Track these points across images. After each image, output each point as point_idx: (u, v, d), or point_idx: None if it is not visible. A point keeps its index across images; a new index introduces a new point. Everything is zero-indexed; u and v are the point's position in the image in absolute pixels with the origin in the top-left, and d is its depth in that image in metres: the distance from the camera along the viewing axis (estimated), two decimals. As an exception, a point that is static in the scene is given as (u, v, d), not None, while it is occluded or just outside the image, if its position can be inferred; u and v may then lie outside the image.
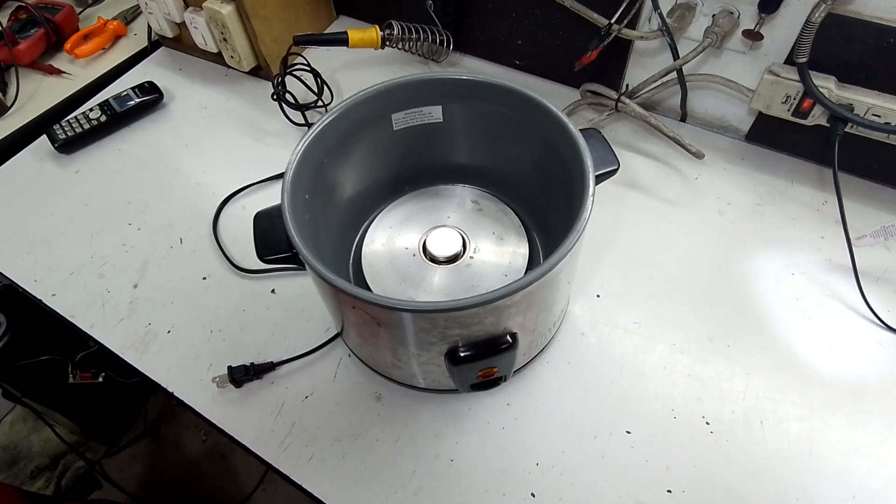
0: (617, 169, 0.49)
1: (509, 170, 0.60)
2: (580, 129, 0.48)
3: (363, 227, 0.62)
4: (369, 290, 0.55)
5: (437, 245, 0.57)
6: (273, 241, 0.46)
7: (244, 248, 0.69)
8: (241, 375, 0.58)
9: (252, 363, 0.59)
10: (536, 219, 0.61)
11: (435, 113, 0.56)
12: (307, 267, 0.43)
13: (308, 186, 0.49)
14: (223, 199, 0.74)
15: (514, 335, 0.46)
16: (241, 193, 0.75)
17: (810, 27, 0.58)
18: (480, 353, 0.45)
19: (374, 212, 0.62)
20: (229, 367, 0.58)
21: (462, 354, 0.45)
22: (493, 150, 0.59)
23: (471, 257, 0.57)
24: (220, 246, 0.69)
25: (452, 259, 0.56)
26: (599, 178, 0.46)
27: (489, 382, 0.51)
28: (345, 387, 0.58)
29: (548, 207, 0.58)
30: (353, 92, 0.51)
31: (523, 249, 0.57)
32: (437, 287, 0.55)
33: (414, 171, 0.62)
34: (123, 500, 1.23)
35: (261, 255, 0.47)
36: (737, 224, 0.68)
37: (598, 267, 0.65)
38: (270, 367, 0.59)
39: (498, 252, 0.57)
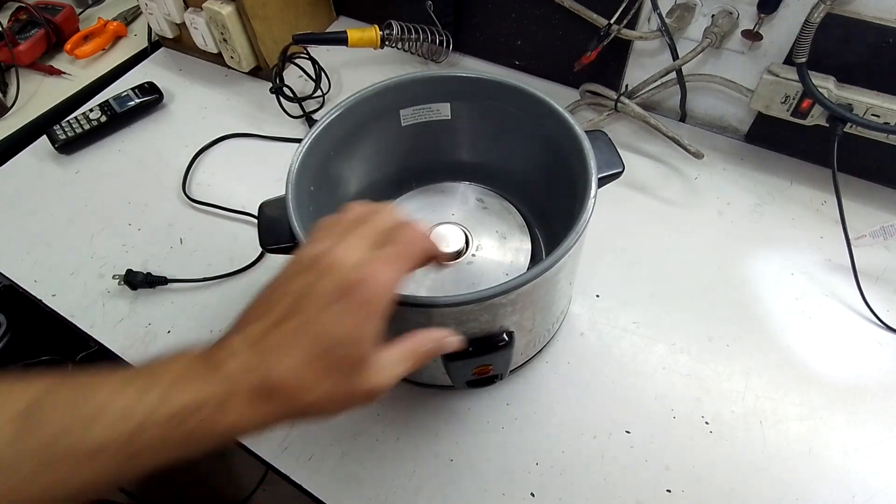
0: (621, 172, 0.48)
1: (515, 169, 0.60)
2: (586, 131, 0.48)
3: None
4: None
5: (441, 241, 0.56)
6: (276, 230, 0.46)
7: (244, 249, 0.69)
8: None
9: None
10: (540, 218, 0.61)
11: (443, 110, 0.56)
12: None
13: (314, 178, 0.49)
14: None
15: (510, 334, 0.46)
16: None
17: (809, 27, 0.58)
18: (476, 351, 0.45)
19: None
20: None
21: (457, 351, 0.45)
22: (500, 148, 0.59)
23: (473, 255, 0.57)
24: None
25: (455, 256, 0.56)
26: (603, 181, 0.46)
27: (484, 380, 0.51)
28: (345, 387, 0.58)
29: (551, 207, 0.58)
30: (353, 90, 0.51)
31: (526, 248, 0.57)
32: (438, 283, 0.55)
33: (420, 168, 0.62)
34: (123, 500, 1.23)
35: (264, 244, 0.47)
36: (736, 224, 0.68)
37: (597, 267, 0.65)
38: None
39: (501, 250, 0.57)
